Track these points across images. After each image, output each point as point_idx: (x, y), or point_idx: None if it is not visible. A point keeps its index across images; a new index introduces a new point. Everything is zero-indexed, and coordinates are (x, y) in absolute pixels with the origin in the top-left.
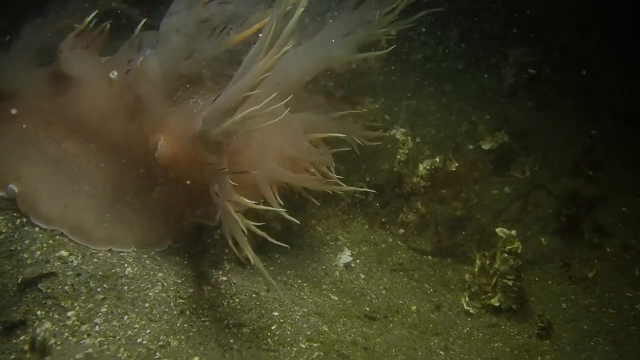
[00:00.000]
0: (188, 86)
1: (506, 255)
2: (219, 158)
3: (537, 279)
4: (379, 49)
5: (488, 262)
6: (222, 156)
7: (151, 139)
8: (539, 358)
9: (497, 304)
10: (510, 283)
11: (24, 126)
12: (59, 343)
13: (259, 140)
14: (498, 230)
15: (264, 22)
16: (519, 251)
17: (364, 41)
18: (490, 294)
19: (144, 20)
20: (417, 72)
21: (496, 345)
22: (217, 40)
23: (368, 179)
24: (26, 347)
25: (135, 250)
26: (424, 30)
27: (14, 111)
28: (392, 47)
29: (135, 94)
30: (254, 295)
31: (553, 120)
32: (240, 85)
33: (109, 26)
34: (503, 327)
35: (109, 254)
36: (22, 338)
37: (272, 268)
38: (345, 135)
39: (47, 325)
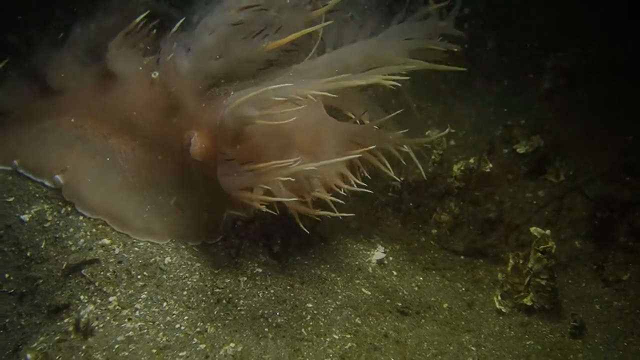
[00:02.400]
0: (223, 81)
1: (540, 254)
2: (234, 150)
3: (570, 281)
4: None
5: (521, 262)
6: (237, 148)
7: (185, 135)
8: (571, 356)
9: (529, 303)
10: (544, 282)
11: (72, 120)
12: (101, 325)
13: (281, 142)
14: (532, 229)
15: (301, 33)
16: (553, 250)
17: (418, 50)
18: (522, 293)
19: (181, 20)
20: (451, 75)
21: (528, 343)
22: (250, 44)
23: (402, 178)
24: (70, 328)
25: (173, 241)
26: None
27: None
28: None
29: (168, 90)
30: (288, 287)
31: (589, 125)
32: (286, 88)
33: (155, 29)
34: (535, 326)
35: (149, 244)
36: (65, 320)
37: (305, 262)
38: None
39: (90, 307)
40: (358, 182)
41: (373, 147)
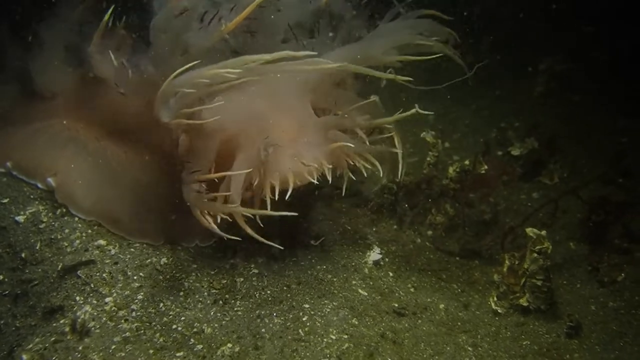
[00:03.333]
0: None
1: (536, 254)
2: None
3: (564, 282)
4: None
5: (517, 262)
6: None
7: (174, 136)
8: (568, 356)
9: (525, 304)
10: (539, 283)
11: (64, 122)
12: (98, 326)
13: (257, 128)
14: (528, 230)
15: (253, 6)
16: (549, 251)
17: (405, 46)
18: (518, 294)
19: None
20: (446, 77)
21: (524, 343)
22: (208, 31)
23: (397, 180)
24: (66, 329)
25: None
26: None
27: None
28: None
29: (146, 100)
30: (285, 288)
31: (583, 128)
32: (191, 73)
33: (121, 22)
34: (531, 326)
35: (145, 245)
36: (61, 321)
37: (302, 263)
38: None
39: (87, 308)
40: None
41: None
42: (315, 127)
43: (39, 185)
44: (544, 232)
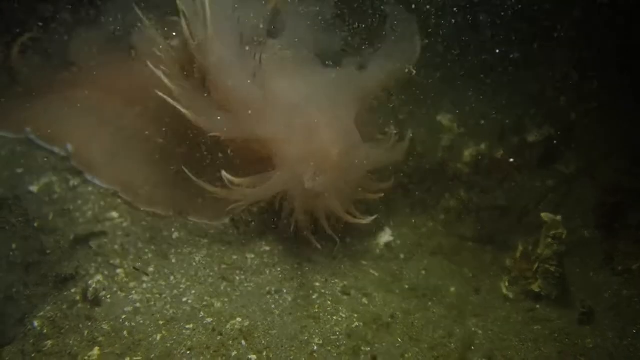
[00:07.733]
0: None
1: (550, 240)
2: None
3: (577, 269)
4: None
5: (530, 248)
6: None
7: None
8: (580, 342)
9: (537, 290)
10: (552, 269)
11: (86, 92)
12: (109, 296)
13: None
14: (543, 214)
15: None
16: (564, 236)
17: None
18: (530, 280)
19: None
20: (463, 64)
21: (535, 328)
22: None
23: (411, 164)
24: (78, 298)
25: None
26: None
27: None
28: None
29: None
30: (296, 266)
31: (600, 117)
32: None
33: None
34: (542, 312)
35: (157, 219)
36: (72, 290)
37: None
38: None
39: (98, 278)
40: None
41: None
42: (354, 156)
43: (56, 150)
44: (559, 217)
